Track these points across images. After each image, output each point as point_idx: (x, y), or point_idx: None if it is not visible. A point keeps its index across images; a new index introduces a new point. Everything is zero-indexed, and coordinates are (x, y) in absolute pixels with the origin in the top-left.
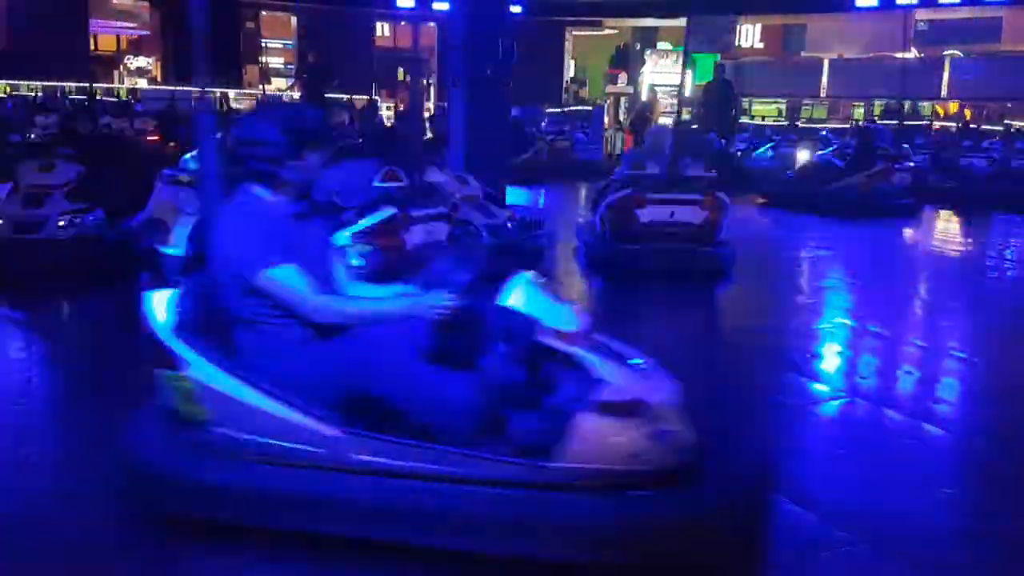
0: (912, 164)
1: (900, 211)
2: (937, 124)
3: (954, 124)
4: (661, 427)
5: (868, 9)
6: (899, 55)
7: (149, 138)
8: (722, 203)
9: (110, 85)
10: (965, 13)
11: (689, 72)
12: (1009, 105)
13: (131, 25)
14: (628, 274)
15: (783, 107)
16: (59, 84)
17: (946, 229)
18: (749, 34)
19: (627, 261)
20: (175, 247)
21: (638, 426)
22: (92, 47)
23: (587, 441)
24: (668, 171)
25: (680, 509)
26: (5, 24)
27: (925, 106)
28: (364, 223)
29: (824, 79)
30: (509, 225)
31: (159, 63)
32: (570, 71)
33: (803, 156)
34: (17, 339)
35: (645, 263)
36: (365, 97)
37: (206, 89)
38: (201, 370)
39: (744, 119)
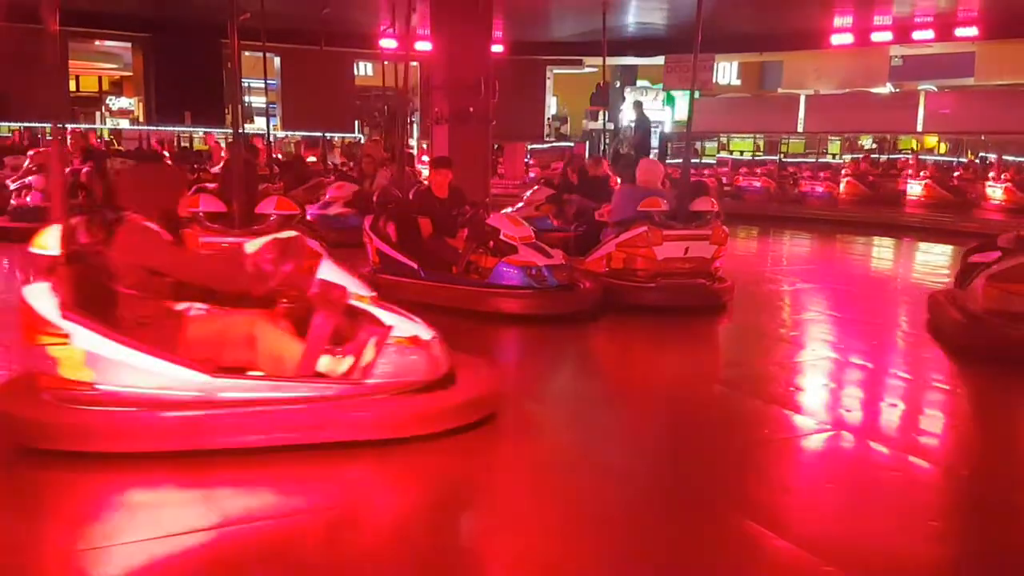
0: None
1: None
2: (913, 158)
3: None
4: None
5: (844, 46)
6: (875, 90)
7: None
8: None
9: (91, 126)
10: (938, 49)
11: (668, 108)
12: (983, 138)
13: (113, 66)
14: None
15: (761, 142)
16: (39, 125)
17: None
18: (727, 71)
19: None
20: None
21: None
22: (74, 88)
23: None
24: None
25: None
26: None
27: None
28: None
29: (801, 114)
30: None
31: (141, 103)
32: (551, 108)
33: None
34: None
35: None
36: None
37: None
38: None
39: (723, 154)
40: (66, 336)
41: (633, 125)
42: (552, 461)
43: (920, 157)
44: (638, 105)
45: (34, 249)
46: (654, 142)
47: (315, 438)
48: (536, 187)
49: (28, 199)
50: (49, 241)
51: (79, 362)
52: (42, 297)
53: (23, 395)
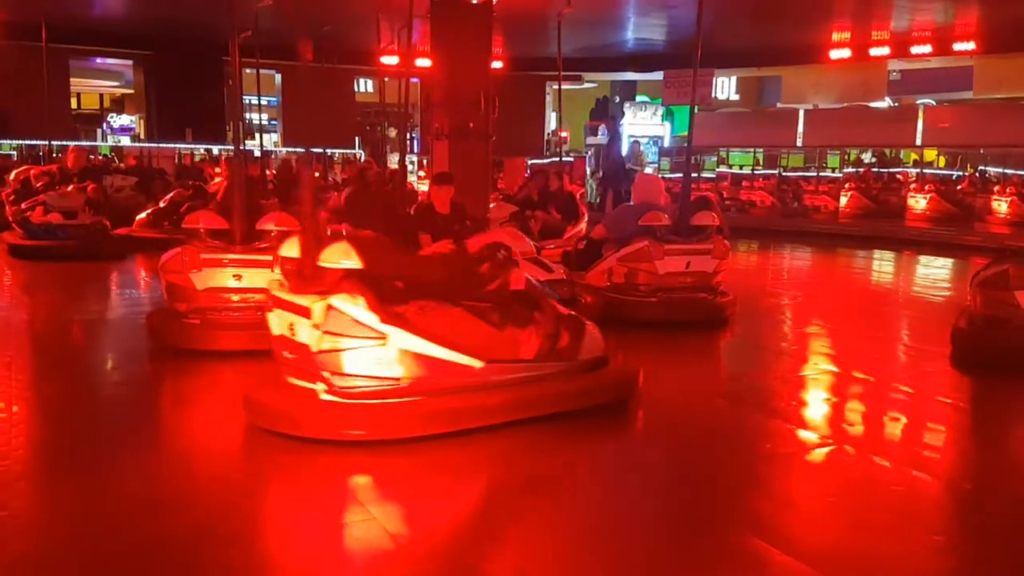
0: None
1: None
2: (911, 172)
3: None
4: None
5: (842, 60)
6: (873, 104)
7: None
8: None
9: (93, 143)
10: (937, 63)
11: (667, 124)
12: (982, 151)
13: (114, 84)
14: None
15: (760, 156)
16: (40, 142)
17: None
18: (725, 86)
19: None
20: None
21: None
22: (75, 105)
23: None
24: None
25: None
26: None
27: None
28: None
29: (800, 129)
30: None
31: (142, 121)
32: (551, 123)
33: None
34: None
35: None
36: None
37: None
38: None
39: (723, 168)
40: (384, 337)
41: (607, 139)
42: (553, 475)
43: (920, 171)
44: (611, 119)
45: (326, 264)
46: (652, 156)
47: (544, 411)
48: (494, 204)
49: (49, 217)
50: (343, 255)
51: (393, 360)
52: (354, 305)
53: (293, 394)
